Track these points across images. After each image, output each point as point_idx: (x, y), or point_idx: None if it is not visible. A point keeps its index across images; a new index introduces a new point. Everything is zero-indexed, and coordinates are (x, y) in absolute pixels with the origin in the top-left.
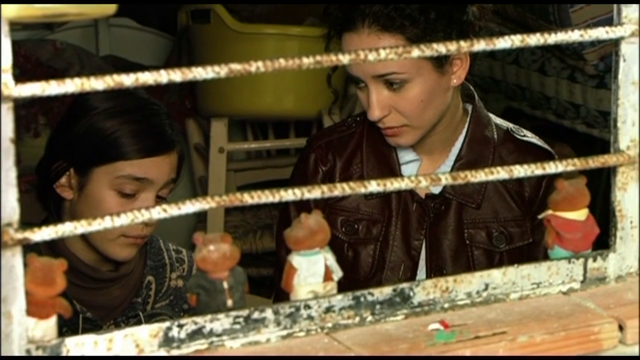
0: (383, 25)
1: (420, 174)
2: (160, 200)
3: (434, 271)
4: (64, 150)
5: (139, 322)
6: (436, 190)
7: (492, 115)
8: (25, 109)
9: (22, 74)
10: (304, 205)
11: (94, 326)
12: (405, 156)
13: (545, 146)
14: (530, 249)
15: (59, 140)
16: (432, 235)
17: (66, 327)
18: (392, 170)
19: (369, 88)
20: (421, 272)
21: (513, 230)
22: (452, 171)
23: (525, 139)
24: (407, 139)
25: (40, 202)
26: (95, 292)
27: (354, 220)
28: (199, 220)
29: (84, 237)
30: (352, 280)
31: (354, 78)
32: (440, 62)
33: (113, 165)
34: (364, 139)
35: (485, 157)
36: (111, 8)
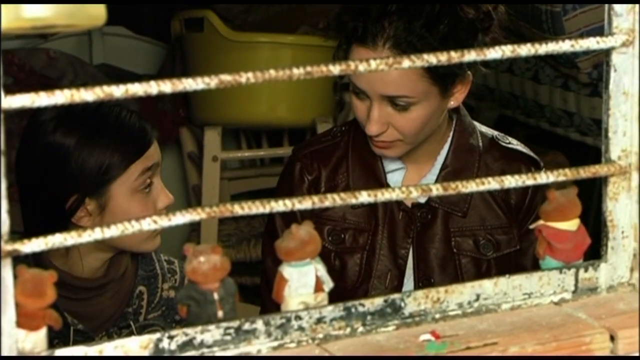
0: (404, 50)
1: (405, 183)
2: None
3: (422, 280)
4: (71, 186)
5: (131, 333)
6: (422, 199)
7: (476, 123)
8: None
9: (15, 83)
10: (290, 215)
11: (85, 338)
12: (391, 165)
13: (531, 153)
14: (517, 256)
15: (57, 183)
16: (419, 244)
17: (57, 340)
18: (377, 179)
19: (372, 103)
20: (409, 281)
21: (500, 238)
22: (438, 179)
23: (510, 146)
24: (395, 152)
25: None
26: (85, 302)
27: (340, 230)
28: (193, 229)
29: (67, 249)
30: (339, 289)
31: (356, 88)
32: (446, 88)
33: (127, 173)
34: (349, 148)
35: (471, 165)
36: (101, 19)
